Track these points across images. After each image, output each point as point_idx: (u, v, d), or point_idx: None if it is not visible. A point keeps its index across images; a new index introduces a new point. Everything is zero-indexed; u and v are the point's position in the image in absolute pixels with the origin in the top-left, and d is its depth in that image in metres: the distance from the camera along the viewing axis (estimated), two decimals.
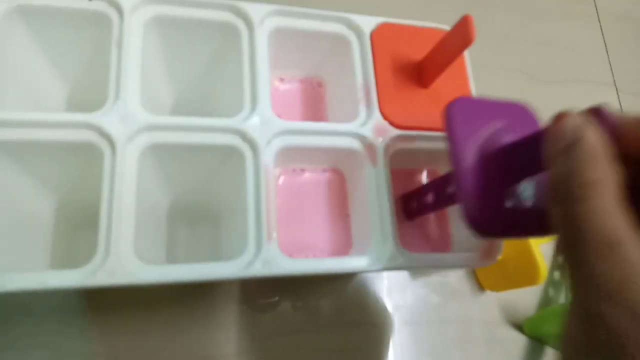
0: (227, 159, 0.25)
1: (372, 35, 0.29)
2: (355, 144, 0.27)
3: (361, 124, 0.27)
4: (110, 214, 0.22)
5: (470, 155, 0.21)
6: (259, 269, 0.22)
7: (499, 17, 0.49)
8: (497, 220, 0.21)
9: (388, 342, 0.34)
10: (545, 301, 0.38)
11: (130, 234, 0.22)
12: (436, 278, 0.37)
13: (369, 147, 0.27)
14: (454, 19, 0.25)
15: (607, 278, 0.14)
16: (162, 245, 0.29)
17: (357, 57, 0.29)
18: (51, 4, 0.25)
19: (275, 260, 0.23)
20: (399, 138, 0.27)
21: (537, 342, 0.36)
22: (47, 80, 0.28)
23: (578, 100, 0.48)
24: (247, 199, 0.24)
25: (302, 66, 0.32)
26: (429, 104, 0.28)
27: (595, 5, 0.54)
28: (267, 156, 0.25)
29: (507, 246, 0.28)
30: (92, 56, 0.27)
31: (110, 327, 0.30)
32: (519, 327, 0.37)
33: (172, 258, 0.29)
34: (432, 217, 0.31)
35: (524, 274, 0.32)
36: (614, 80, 0.50)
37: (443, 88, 0.29)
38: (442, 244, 0.31)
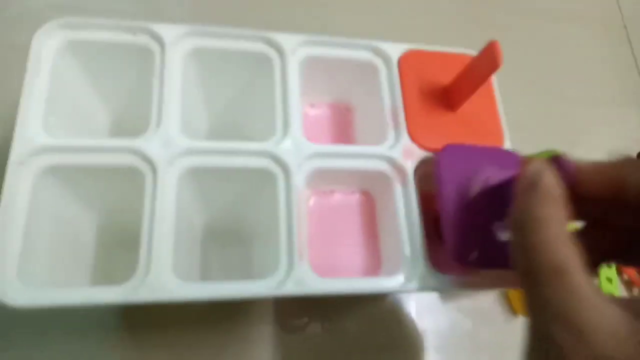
0: (260, 182, 0.26)
1: (400, 61, 0.30)
2: (384, 166, 0.27)
3: (390, 147, 0.28)
4: (151, 233, 0.23)
5: (454, 195, 0.24)
6: (290, 288, 0.23)
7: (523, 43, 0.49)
8: (481, 253, 0.24)
9: None
10: None
11: (170, 253, 0.23)
12: (467, 302, 0.36)
13: (398, 169, 0.27)
14: (480, 44, 0.26)
15: (554, 302, 0.16)
16: (197, 265, 0.30)
17: (385, 82, 0.29)
18: (99, 39, 0.27)
19: (307, 280, 0.23)
20: (428, 160, 0.27)
21: None
22: (93, 108, 0.30)
23: (602, 121, 0.47)
24: (279, 219, 0.25)
25: (331, 92, 0.33)
26: (457, 126, 0.29)
27: (625, 27, 0.53)
28: (299, 178, 0.26)
29: None
30: (135, 85, 0.29)
31: (145, 345, 0.30)
32: None
33: (205, 278, 0.30)
34: None
35: None
36: None
37: (471, 111, 0.29)
38: None
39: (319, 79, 0.31)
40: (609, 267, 0.39)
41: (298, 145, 0.26)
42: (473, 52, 0.30)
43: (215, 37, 0.28)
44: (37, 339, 0.29)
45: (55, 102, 0.25)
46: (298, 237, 0.24)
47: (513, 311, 0.36)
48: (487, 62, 0.25)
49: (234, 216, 0.30)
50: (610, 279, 0.38)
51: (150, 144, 0.25)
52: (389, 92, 0.29)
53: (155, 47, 0.27)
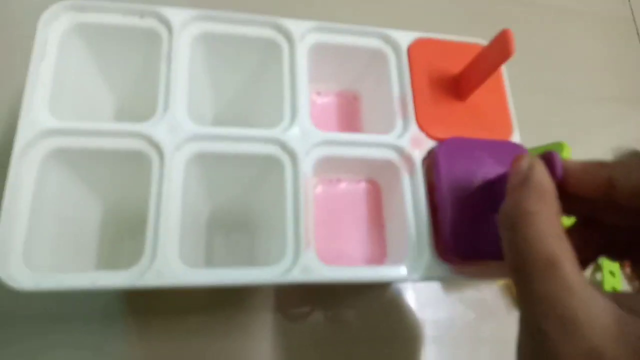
0: (267, 168, 0.26)
1: (409, 49, 0.29)
2: (392, 155, 0.27)
3: (398, 136, 0.27)
4: (158, 218, 0.23)
5: (451, 188, 0.24)
6: (297, 276, 0.23)
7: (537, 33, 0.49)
8: (476, 245, 0.24)
9: (419, 358, 0.34)
10: None
11: (176, 238, 0.23)
12: (470, 293, 0.36)
13: (406, 158, 0.27)
14: (490, 35, 0.25)
15: (546, 296, 0.16)
16: (201, 251, 0.30)
17: (394, 70, 0.29)
18: (106, 22, 0.26)
19: (313, 268, 0.23)
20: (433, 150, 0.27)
21: None
22: (100, 91, 0.30)
23: (609, 118, 0.47)
24: (285, 207, 0.24)
25: (339, 80, 0.33)
26: (466, 116, 0.28)
27: (636, 25, 0.53)
28: (306, 165, 0.25)
29: None
30: (142, 69, 0.28)
31: (149, 331, 0.31)
32: None
33: (209, 264, 0.30)
34: None
35: None
36: None
37: (480, 101, 0.29)
38: None
39: (328, 66, 0.30)
40: (612, 260, 0.39)
41: (306, 133, 0.26)
42: (483, 41, 0.30)
43: (224, 22, 0.28)
44: (41, 326, 0.29)
45: (61, 85, 0.25)
46: (305, 225, 0.24)
47: (515, 303, 0.36)
48: (499, 50, 0.24)
49: (240, 203, 0.30)
50: (614, 273, 0.38)
51: (157, 128, 0.24)
52: (398, 80, 0.29)
53: (163, 30, 0.27)
